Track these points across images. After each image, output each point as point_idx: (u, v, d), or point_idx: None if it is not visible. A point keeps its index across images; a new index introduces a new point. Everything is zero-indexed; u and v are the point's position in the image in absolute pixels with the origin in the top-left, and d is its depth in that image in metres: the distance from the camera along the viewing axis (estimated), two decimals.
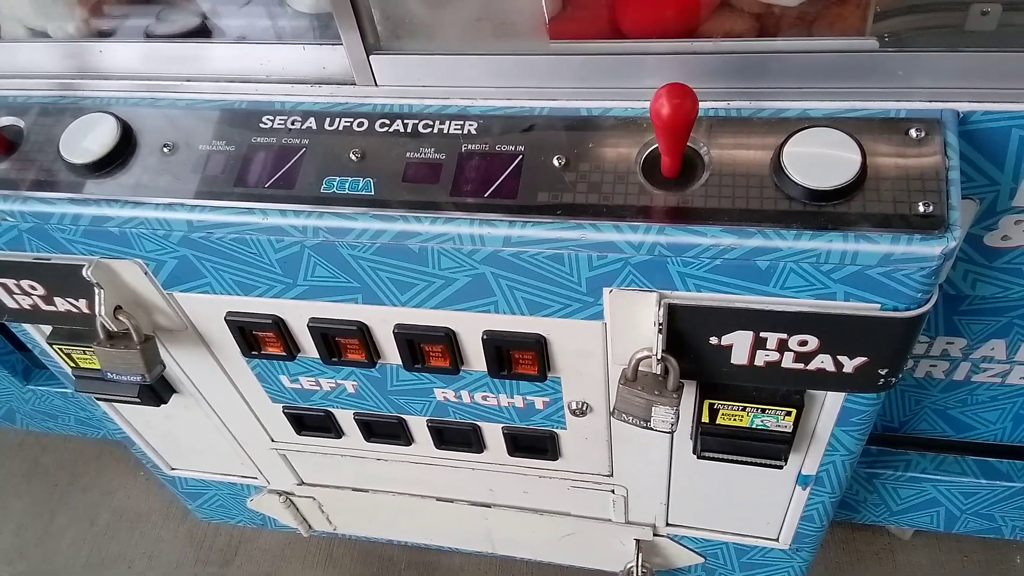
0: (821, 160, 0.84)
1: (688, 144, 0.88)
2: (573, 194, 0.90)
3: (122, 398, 1.26)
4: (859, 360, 0.92)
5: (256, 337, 1.16)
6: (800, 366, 0.95)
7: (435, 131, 0.98)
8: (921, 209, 0.81)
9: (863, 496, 1.54)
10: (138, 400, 1.25)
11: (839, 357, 0.93)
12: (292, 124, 1.02)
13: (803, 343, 0.92)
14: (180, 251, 1.03)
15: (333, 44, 1.01)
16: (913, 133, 0.85)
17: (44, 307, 1.16)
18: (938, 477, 1.44)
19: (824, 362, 0.94)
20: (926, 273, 0.81)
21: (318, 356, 1.16)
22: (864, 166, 0.83)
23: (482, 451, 1.32)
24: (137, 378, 1.15)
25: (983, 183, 0.94)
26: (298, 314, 1.11)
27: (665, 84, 0.81)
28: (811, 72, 0.90)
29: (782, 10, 0.92)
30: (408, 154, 0.97)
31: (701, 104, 0.84)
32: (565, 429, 1.22)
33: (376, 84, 1.03)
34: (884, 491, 1.51)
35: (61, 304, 1.15)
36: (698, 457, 1.12)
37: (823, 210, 0.83)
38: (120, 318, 1.11)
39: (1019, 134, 0.88)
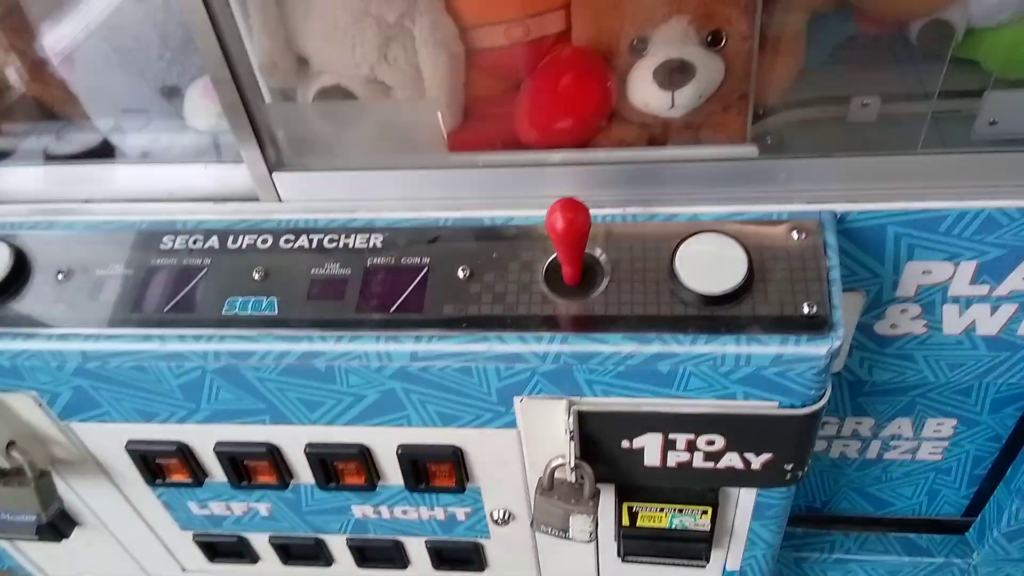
0: (711, 265, 0.87)
1: (587, 251, 0.90)
2: (479, 305, 0.91)
3: (20, 536, 1.18)
4: (765, 456, 0.94)
5: (160, 465, 1.11)
6: (710, 465, 0.96)
7: (341, 245, 0.98)
8: (806, 310, 0.84)
9: None
10: (37, 537, 1.17)
11: (746, 455, 0.94)
12: (194, 244, 1.01)
13: (710, 443, 0.93)
14: (76, 381, 0.99)
15: (235, 162, 1.01)
16: (795, 235, 0.89)
17: None
18: (862, 557, 1.45)
19: (732, 460, 0.95)
20: (816, 372, 0.84)
21: (227, 480, 1.12)
22: (751, 269, 0.86)
23: (406, 567, 1.28)
24: (33, 517, 1.09)
25: (866, 276, 0.99)
26: (203, 439, 1.06)
27: (558, 199, 0.83)
28: (697, 178, 0.95)
29: (669, 119, 0.97)
30: (313, 270, 0.97)
31: (599, 211, 0.87)
32: (489, 538, 1.19)
33: (280, 200, 1.03)
34: (812, 574, 1.51)
35: None
36: (622, 560, 1.11)
37: (716, 314, 0.86)
38: (13, 454, 1.05)
39: (894, 231, 0.93)
